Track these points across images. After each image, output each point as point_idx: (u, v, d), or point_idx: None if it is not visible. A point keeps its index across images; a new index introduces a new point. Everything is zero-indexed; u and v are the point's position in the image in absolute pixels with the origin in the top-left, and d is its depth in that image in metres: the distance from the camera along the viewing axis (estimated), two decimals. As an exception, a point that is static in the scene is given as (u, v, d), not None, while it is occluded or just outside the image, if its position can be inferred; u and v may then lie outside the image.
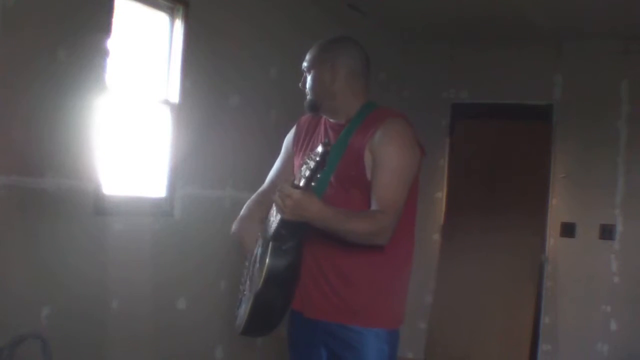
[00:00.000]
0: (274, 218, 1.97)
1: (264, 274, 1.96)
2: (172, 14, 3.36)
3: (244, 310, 2.11)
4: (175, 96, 3.36)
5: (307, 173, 1.77)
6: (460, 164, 5.43)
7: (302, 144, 2.25)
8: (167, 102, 3.34)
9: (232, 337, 3.72)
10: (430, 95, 5.41)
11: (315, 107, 2.18)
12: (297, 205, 1.82)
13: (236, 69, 3.71)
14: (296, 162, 2.25)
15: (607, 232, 4.90)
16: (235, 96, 3.75)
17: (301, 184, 1.80)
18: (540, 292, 5.07)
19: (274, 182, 2.28)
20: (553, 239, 5.09)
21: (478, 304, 5.13)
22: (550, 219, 5.08)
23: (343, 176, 2.07)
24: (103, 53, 2.89)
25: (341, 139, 2.10)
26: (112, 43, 2.94)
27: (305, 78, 2.20)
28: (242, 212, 2.26)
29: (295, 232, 1.97)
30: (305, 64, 2.21)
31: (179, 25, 3.37)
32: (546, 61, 5.14)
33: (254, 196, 2.31)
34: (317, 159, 1.73)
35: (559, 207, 5.06)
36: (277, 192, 1.84)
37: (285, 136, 2.35)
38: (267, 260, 1.96)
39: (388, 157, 2.02)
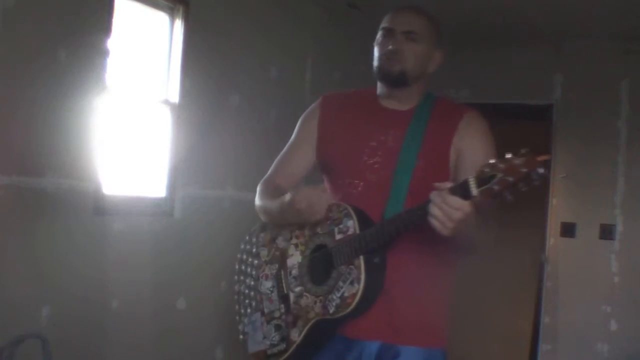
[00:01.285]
0: (349, 224, 1.70)
1: (359, 294, 1.65)
2: (172, 14, 3.36)
3: (281, 335, 1.81)
4: (175, 96, 3.36)
5: (496, 187, 1.44)
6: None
7: (340, 128, 1.90)
8: (167, 102, 3.34)
9: (232, 338, 3.71)
10: (430, 95, 5.40)
11: (404, 81, 1.83)
12: (465, 219, 1.51)
13: (236, 68, 3.71)
14: (324, 147, 1.92)
15: (607, 232, 4.89)
16: (235, 96, 3.74)
17: (475, 193, 1.48)
18: (540, 292, 5.07)
19: (286, 173, 1.98)
20: (553, 238, 5.08)
21: (478, 304, 5.13)
22: (550, 218, 5.07)
23: (423, 175, 1.77)
24: (103, 53, 2.89)
25: (414, 131, 1.81)
26: (112, 43, 2.93)
27: (398, 40, 1.82)
28: (264, 204, 1.91)
29: (389, 243, 1.68)
30: (409, 27, 1.82)
31: (179, 25, 3.36)
32: (546, 61, 5.14)
33: (269, 189, 1.94)
34: (524, 172, 1.41)
35: (559, 207, 5.05)
36: (438, 203, 1.51)
37: (283, 137, 2.09)
38: (363, 279, 1.65)
39: (485, 157, 1.72)
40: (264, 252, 1.93)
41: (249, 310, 1.94)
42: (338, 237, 1.73)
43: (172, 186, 3.36)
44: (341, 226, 1.73)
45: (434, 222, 1.53)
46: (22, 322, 2.56)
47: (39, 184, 2.65)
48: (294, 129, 2.05)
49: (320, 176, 2.00)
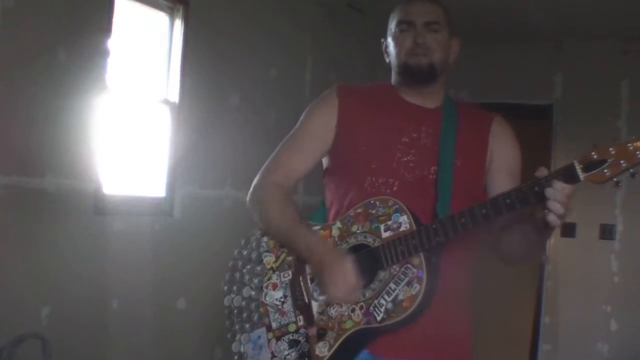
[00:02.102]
0: (401, 220, 1.55)
1: (420, 296, 1.49)
2: (172, 14, 3.36)
3: (298, 352, 1.59)
4: (174, 96, 3.36)
5: (607, 172, 1.41)
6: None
7: (365, 120, 1.73)
8: (166, 101, 3.34)
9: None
10: (430, 95, 5.40)
11: (433, 75, 1.72)
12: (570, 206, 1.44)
13: (236, 68, 3.71)
14: (345, 142, 1.72)
15: (607, 232, 4.89)
16: (235, 96, 3.74)
17: (582, 177, 1.42)
18: (540, 292, 5.07)
19: (288, 168, 1.76)
20: (553, 238, 5.08)
21: (478, 304, 5.12)
22: (551, 218, 5.07)
23: (462, 174, 1.69)
24: (103, 53, 2.89)
25: (447, 130, 1.71)
26: (112, 43, 2.93)
27: (421, 33, 1.70)
28: (290, 227, 1.67)
29: (447, 241, 1.54)
30: (430, 17, 1.72)
31: (179, 25, 3.36)
32: (546, 61, 5.14)
33: (270, 191, 1.72)
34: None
35: (559, 207, 5.05)
36: (564, 192, 1.43)
37: (283, 137, 1.86)
38: (425, 278, 1.49)
39: (516, 158, 1.76)
40: (269, 259, 1.70)
41: (247, 326, 1.69)
42: (386, 234, 1.56)
43: (172, 186, 3.36)
44: (390, 222, 1.56)
45: (554, 206, 1.43)
46: (22, 322, 2.56)
47: (39, 184, 2.65)
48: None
49: (321, 175, 1.84)
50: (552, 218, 1.45)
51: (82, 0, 2.79)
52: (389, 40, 1.76)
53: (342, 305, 1.56)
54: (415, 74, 1.71)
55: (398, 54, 1.72)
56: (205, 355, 3.64)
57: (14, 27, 2.52)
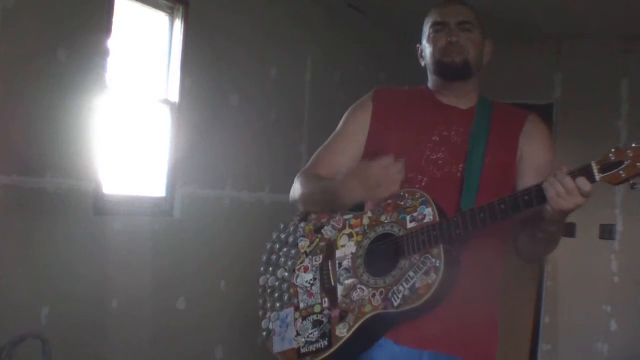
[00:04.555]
0: (426, 212, 1.61)
1: (436, 284, 1.53)
2: (172, 14, 3.36)
3: (321, 332, 1.67)
4: (175, 96, 3.36)
5: (623, 174, 1.45)
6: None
7: (397, 122, 1.81)
8: (167, 101, 3.34)
9: (232, 338, 3.72)
10: (430, 95, 5.41)
11: (468, 72, 1.78)
12: (581, 205, 1.50)
13: (236, 68, 3.71)
14: (378, 141, 1.81)
15: (607, 232, 4.90)
16: (235, 96, 3.74)
17: (598, 178, 1.47)
18: (540, 292, 5.07)
19: (329, 164, 1.86)
20: (553, 239, 5.08)
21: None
22: (551, 218, 5.07)
23: (491, 172, 1.74)
24: (103, 53, 2.89)
25: (478, 129, 1.77)
26: (112, 43, 2.94)
27: (455, 32, 1.77)
28: (310, 189, 1.80)
29: (469, 235, 1.59)
30: (463, 17, 1.79)
31: (179, 25, 3.37)
32: (546, 61, 5.14)
33: (310, 178, 1.84)
34: None
35: (559, 207, 5.05)
36: (565, 181, 1.48)
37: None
38: (443, 268, 1.54)
39: (548, 158, 1.78)
40: (304, 243, 1.78)
41: (277, 305, 1.77)
42: (411, 225, 1.62)
43: (172, 186, 3.36)
44: (415, 214, 1.63)
45: (555, 199, 1.48)
46: (22, 322, 2.56)
47: (39, 184, 2.65)
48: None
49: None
50: (548, 208, 1.51)
51: (82, 0, 2.80)
52: (424, 43, 1.83)
53: (364, 290, 1.63)
54: (451, 71, 1.77)
55: (433, 53, 1.78)
56: (205, 355, 3.64)
57: (14, 27, 2.52)
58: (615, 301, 4.82)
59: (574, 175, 1.48)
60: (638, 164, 1.44)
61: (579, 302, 4.94)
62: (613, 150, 1.46)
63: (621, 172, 1.45)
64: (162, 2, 3.28)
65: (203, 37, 3.45)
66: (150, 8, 3.26)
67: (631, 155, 1.44)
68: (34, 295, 2.65)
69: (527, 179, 1.73)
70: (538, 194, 1.51)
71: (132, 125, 3.19)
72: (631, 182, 1.46)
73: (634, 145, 1.45)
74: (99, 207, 2.91)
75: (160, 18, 3.33)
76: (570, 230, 5.00)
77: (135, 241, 3.13)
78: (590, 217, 4.93)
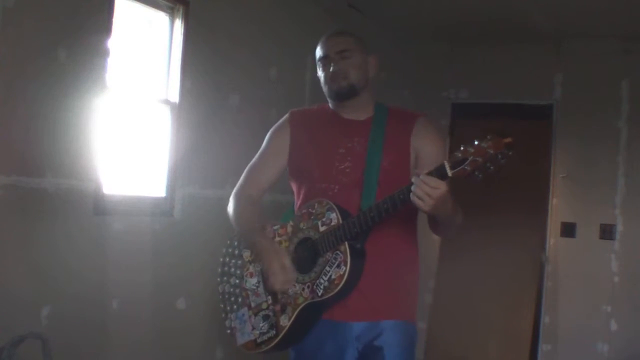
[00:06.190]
0: (332, 216, 1.94)
1: (346, 275, 1.90)
2: (172, 14, 3.36)
3: (269, 323, 2.03)
4: (175, 96, 3.36)
5: (468, 168, 1.70)
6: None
7: (310, 140, 2.15)
8: (167, 101, 3.34)
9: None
10: (430, 95, 5.41)
11: (354, 92, 2.09)
12: (443, 197, 1.75)
13: (236, 68, 3.71)
14: (297, 158, 2.17)
15: (607, 232, 4.90)
16: (235, 96, 3.74)
17: (450, 174, 1.73)
18: (540, 292, 5.07)
19: (257, 181, 2.23)
20: (553, 238, 5.08)
21: (478, 304, 5.13)
22: (551, 218, 5.08)
23: (388, 172, 2.04)
24: (103, 53, 2.89)
25: (375, 136, 2.08)
26: (112, 43, 2.94)
27: (335, 61, 2.09)
28: (241, 228, 2.15)
29: (369, 229, 1.92)
30: (340, 47, 2.10)
31: (179, 25, 3.37)
32: (546, 61, 5.14)
33: (241, 202, 2.19)
34: (491, 153, 1.68)
35: (560, 206, 5.06)
36: (420, 184, 1.74)
37: None
38: (349, 261, 1.90)
39: (438, 152, 2.05)
40: (246, 254, 2.14)
41: (235, 307, 2.13)
42: (322, 228, 1.97)
43: (172, 186, 3.36)
44: (324, 219, 1.97)
45: (417, 201, 1.76)
46: (22, 322, 2.56)
47: (39, 184, 2.65)
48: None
49: (288, 183, 2.24)
50: (417, 202, 1.78)
51: (82, 0, 2.80)
52: (318, 74, 2.15)
53: (296, 286, 1.98)
54: (339, 94, 2.10)
55: (324, 82, 2.13)
56: (205, 355, 3.65)
57: (14, 27, 2.52)
58: (615, 301, 4.82)
59: (431, 173, 1.75)
60: (478, 159, 1.70)
61: (579, 302, 4.94)
62: (461, 148, 1.73)
63: (466, 167, 1.72)
64: (162, 2, 3.29)
65: (203, 37, 3.45)
66: (150, 8, 3.26)
67: (472, 151, 1.71)
68: (34, 295, 2.65)
69: None
70: (408, 192, 1.80)
71: (132, 125, 3.19)
72: (476, 173, 1.72)
73: (475, 142, 1.71)
74: (99, 207, 2.91)
75: (160, 18, 3.33)
76: (570, 230, 5.01)
77: (135, 241, 3.13)
78: (590, 217, 4.94)
